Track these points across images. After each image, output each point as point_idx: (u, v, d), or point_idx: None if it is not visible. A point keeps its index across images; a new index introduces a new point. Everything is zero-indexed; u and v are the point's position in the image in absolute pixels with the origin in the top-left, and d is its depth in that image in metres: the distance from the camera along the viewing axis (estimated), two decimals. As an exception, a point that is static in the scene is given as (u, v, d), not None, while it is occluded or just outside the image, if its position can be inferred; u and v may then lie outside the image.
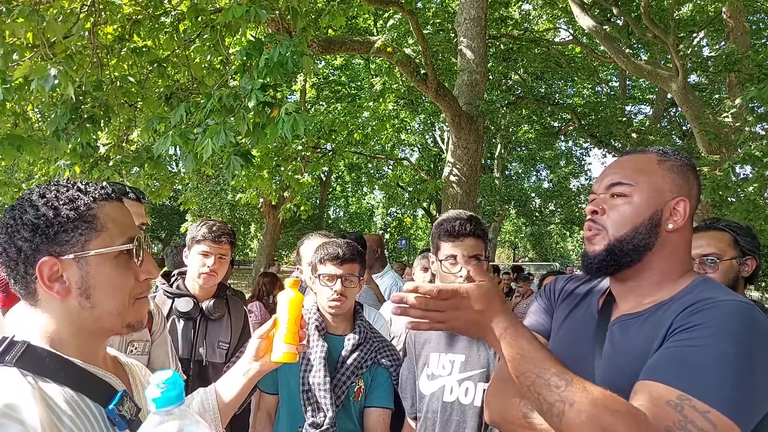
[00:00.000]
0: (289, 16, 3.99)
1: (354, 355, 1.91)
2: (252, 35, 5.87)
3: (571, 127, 13.95)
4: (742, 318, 0.95)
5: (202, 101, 3.52)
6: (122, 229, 0.92)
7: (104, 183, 0.97)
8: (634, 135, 11.29)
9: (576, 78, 15.22)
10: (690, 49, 10.34)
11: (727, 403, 0.87)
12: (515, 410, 1.11)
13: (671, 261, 1.10)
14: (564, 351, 1.16)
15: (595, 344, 1.13)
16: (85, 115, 3.94)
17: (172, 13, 4.69)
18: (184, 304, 2.22)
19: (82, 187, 0.92)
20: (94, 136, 4.16)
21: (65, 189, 0.91)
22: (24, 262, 0.87)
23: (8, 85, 3.45)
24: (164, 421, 0.81)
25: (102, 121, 4.11)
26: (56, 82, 3.14)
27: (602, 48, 10.65)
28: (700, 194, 1.16)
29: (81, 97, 3.91)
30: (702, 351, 0.92)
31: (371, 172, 19.87)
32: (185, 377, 2.12)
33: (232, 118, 3.21)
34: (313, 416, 1.84)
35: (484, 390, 1.67)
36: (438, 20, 11.39)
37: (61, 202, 0.88)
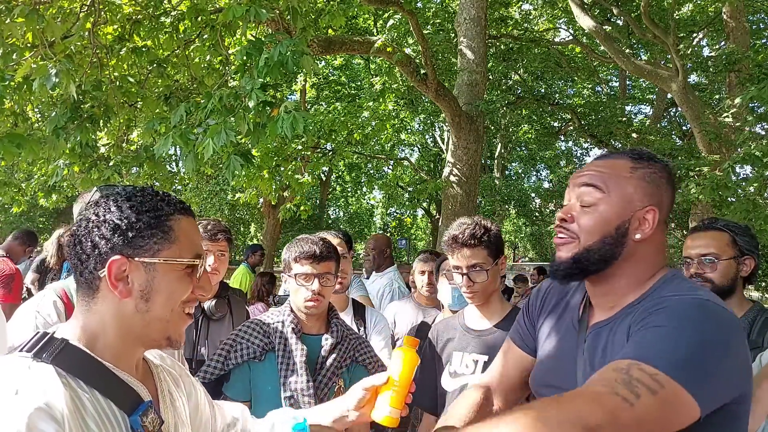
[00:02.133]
0: (289, 16, 3.98)
1: (333, 356, 1.83)
2: (252, 35, 5.88)
3: (571, 127, 13.93)
4: (697, 305, 0.97)
5: (202, 101, 3.53)
6: (192, 245, 0.97)
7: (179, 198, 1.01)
8: (634, 135, 11.28)
9: (576, 78, 15.19)
10: (690, 49, 10.34)
11: (677, 369, 0.87)
12: None
13: (639, 268, 1.10)
14: (550, 365, 1.18)
15: (577, 356, 1.13)
16: (85, 115, 3.94)
17: (172, 13, 4.69)
18: (184, 304, 2.22)
19: (165, 198, 0.97)
20: (94, 136, 4.16)
21: (150, 197, 0.95)
22: (96, 258, 0.90)
23: (7, 83, 3.45)
24: None
25: (102, 120, 4.11)
26: (56, 80, 3.14)
27: (602, 48, 10.64)
28: (673, 200, 1.15)
29: (81, 97, 3.91)
30: (656, 330, 0.95)
31: (371, 172, 19.86)
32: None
33: (232, 118, 3.21)
34: None
35: None
36: (438, 20, 11.38)
37: (144, 209, 0.92)
